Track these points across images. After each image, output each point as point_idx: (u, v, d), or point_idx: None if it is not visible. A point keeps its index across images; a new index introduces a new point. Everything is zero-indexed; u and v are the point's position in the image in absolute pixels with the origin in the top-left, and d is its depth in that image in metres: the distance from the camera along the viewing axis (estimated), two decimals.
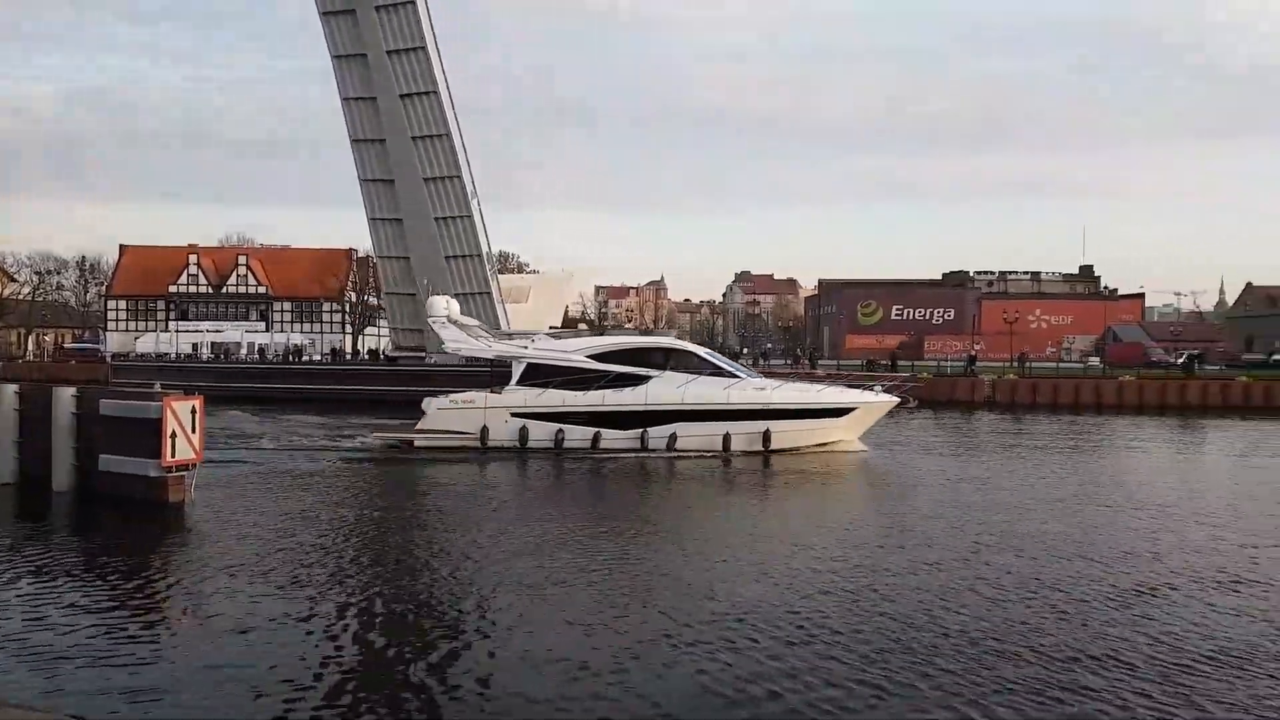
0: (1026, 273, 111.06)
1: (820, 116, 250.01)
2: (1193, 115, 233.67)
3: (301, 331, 76.27)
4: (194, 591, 11.59)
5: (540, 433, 26.50)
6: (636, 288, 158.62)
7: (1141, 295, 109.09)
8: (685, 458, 25.37)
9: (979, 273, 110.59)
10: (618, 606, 10.91)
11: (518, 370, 27.49)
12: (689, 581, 12.16)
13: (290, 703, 8.03)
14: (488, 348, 29.41)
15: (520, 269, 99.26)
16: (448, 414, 27.18)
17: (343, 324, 79.60)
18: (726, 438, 26.31)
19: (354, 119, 50.32)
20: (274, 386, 49.73)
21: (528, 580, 12.03)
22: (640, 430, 26.35)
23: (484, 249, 50.05)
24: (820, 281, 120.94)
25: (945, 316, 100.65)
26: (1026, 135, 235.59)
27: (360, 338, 78.24)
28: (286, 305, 79.62)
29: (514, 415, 26.77)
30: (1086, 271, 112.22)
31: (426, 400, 27.90)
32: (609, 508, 19.18)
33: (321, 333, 77.55)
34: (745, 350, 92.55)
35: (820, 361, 67.24)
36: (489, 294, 49.74)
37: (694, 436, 26.34)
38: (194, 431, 16.75)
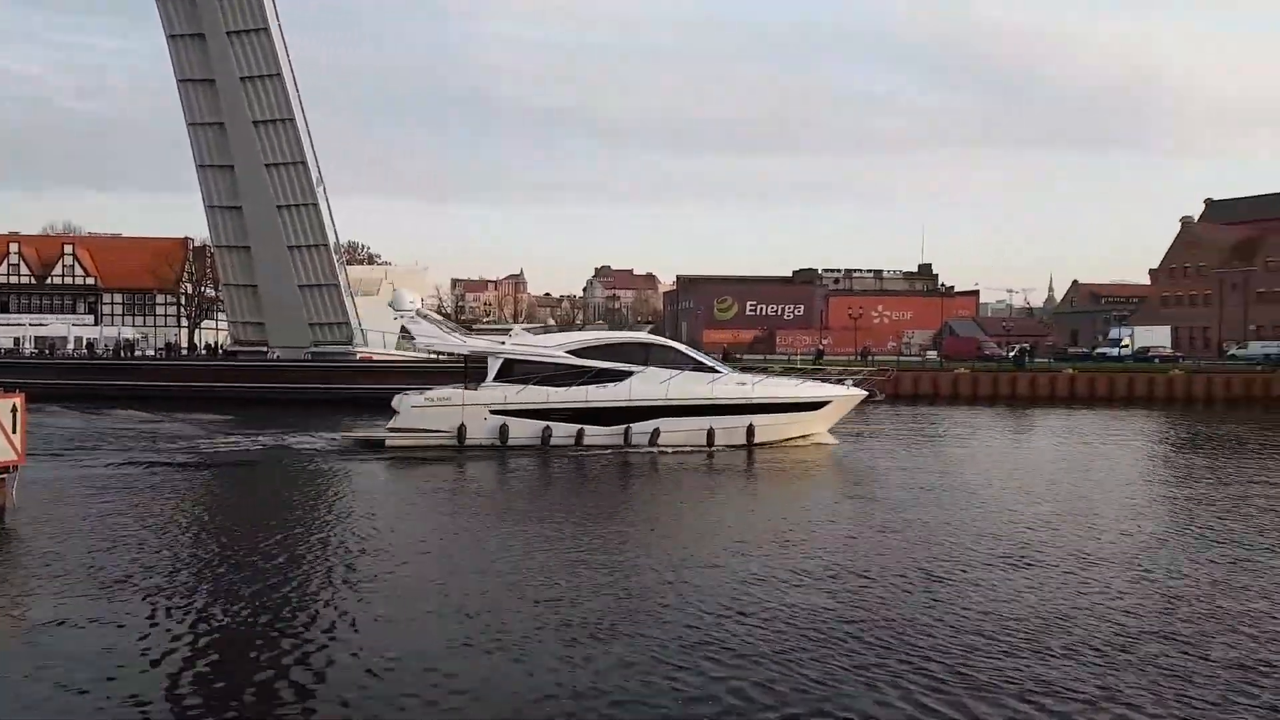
0: (870, 270, 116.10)
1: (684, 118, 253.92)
2: (1020, 125, 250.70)
3: (133, 325, 71.87)
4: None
5: (521, 430, 25.70)
6: (495, 281, 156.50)
7: (976, 292, 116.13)
8: (670, 453, 25.05)
9: (827, 270, 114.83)
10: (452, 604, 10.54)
11: (494, 367, 26.47)
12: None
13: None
14: (462, 343, 28.26)
15: (371, 260, 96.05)
16: (422, 412, 26.03)
17: (178, 317, 75.13)
18: (710, 433, 26.13)
19: (191, 101, 47.31)
20: (103, 383, 46.20)
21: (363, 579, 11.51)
22: (624, 427, 25.89)
23: (330, 239, 48.04)
24: (679, 277, 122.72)
25: (796, 312, 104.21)
26: (858, 140, 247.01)
27: (197, 331, 74.00)
28: (117, 297, 74.80)
29: (493, 413, 25.83)
30: (925, 270, 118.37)
31: (397, 398, 26.48)
32: (576, 503, 18.50)
33: (155, 326, 73.04)
34: None
35: None
36: (336, 286, 47.83)
37: (678, 432, 26.07)
38: (14, 431, 15.31)
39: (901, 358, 70.21)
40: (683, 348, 29.59)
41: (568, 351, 26.69)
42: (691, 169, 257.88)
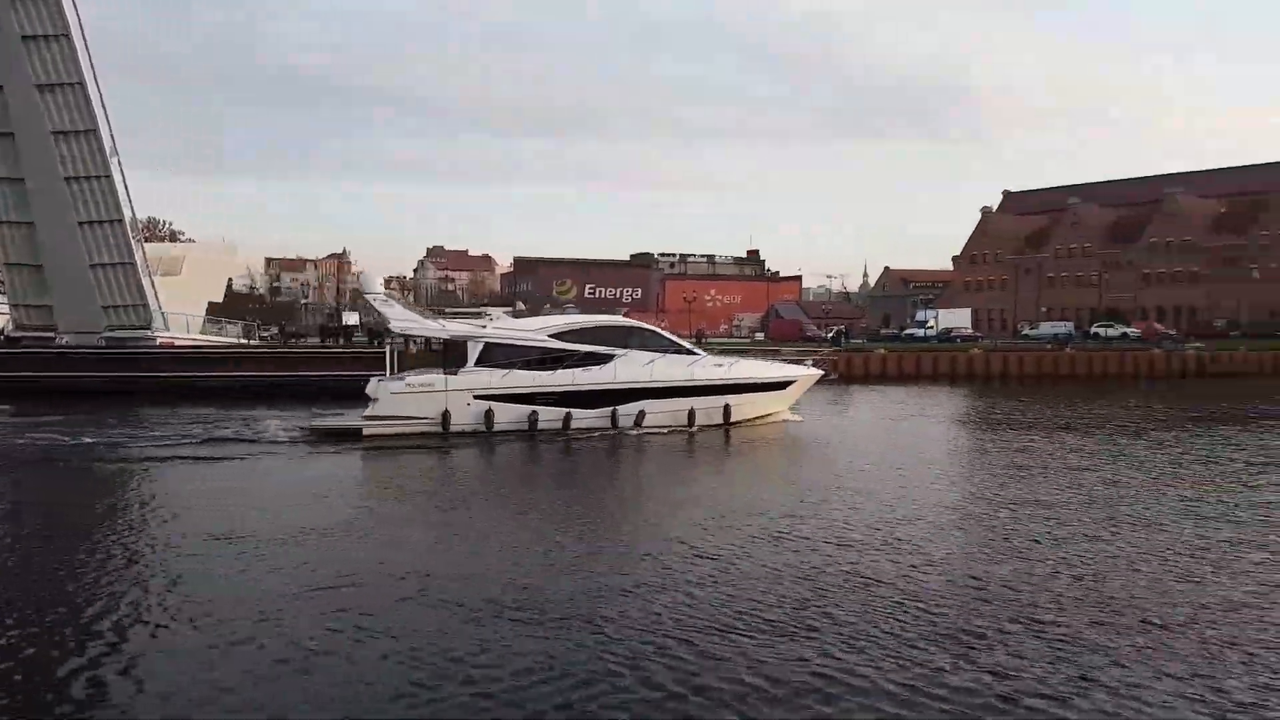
0: (704, 256, 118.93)
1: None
2: (837, 117, 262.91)
3: None
4: None
5: (506, 415, 25.36)
6: (315, 260, 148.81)
7: (799, 278, 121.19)
8: (657, 434, 25.45)
9: (662, 254, 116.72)
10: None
11: (474, 351, 25.80)
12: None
13: None
14: (442, 328, 27.05)
15: (173, 237, 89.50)
16: (404, 398, 25.05)
17: None
18: (691, 413, 26.72)
19: None
20: None
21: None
22: (610, 409, 26.08)
23: (126, 214, 44.24)
24: (516, 259, 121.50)
25: (633, 295, 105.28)
26: (670, 126, 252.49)
27: None
28: None
29: (477, 398, 25.32)
30: (753, 256, 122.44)
31: (373, 384, 25.45)
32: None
33: None
34: None
35: None
36: (132, 264, 44.06)
37: (662, 413, 26.53)
38: None
39: (732, 339, 72.30)
40: (660, 330, 30.22)
41: (550, 335, 26.66)
42: (523, 150, 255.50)
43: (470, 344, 26.09)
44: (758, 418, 28.10)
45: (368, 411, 25.24)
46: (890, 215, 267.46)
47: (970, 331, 78.15)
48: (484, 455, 22.91)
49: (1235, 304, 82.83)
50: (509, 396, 25.64)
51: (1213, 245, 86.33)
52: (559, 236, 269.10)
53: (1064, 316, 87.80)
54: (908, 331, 76.80)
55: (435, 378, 25.54)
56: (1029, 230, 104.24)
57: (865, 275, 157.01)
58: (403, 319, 27.12)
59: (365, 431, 24.78)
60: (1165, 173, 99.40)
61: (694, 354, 28.38)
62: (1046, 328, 77.43)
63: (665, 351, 27.51)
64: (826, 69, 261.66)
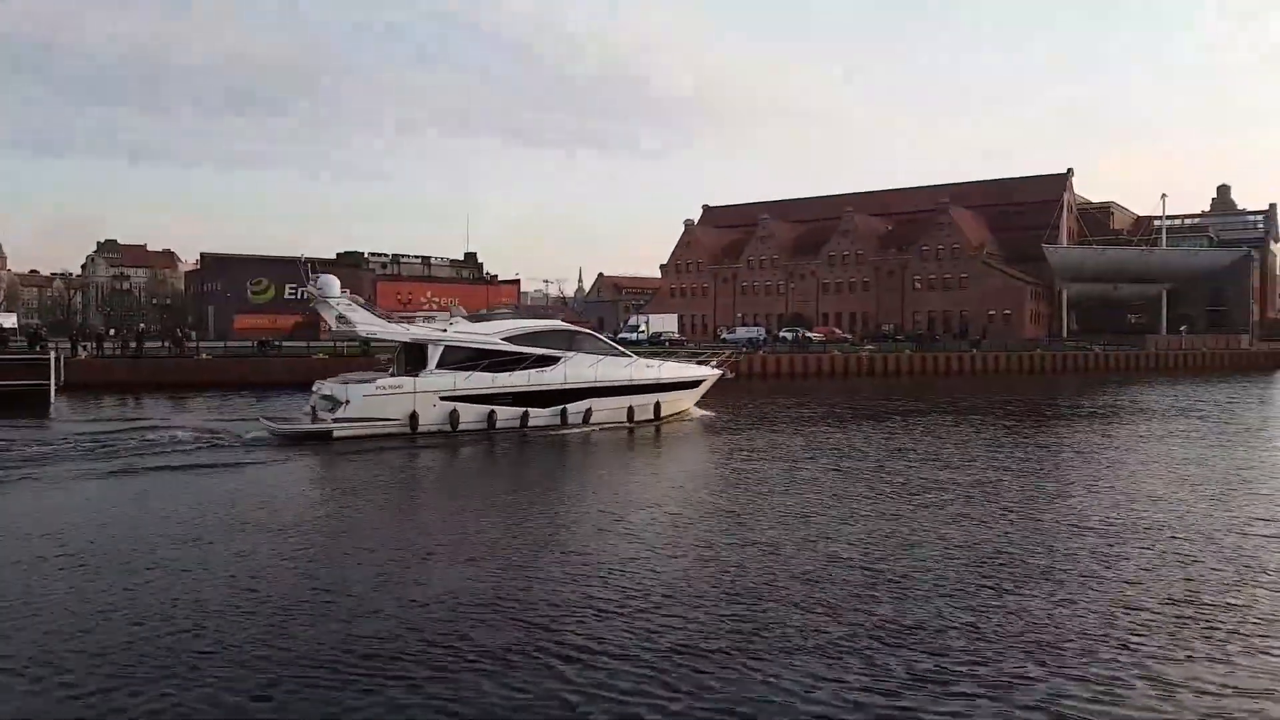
0: (418, 256, 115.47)
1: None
2: (555, 122, 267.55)
3: None
4: None
5: (468, 415, 26.67)
6: None
7: (518, 281, 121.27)
8: (601, 430, 27.98)
9: (373, 254, 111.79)
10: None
11: (434, 354, 26.85)
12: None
13: None
14: (405, 331, 27.98)
15: None
16: (374, 400, 25.71)
17: None
18: (630, 410, 29.56)
19: None
20: None
21: None
22: (560, 408, 28.10)
23: None
24: (203, 255, 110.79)
25: None
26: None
27: None
28: None
29: (443, 399, 26.43)
30: (471, 258, 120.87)
31: (342, 388, 25.89)
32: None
33: None
34: (113, 331, 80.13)
35: (204, 343, 61.11)
36: None
37: (605, 410, 29.03)
38: None
39: None
40: (598, 335, 33.15)
41: (503, 339, 27.98)
42: (214, 129, 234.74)
43: (431, 347, 27.03)
44: (677, 413, 31.44)
45: (339, 414, 25.46)
46: (604, 223, 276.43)
47: (677, 335, 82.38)
48: (455, 454, 23.99)
49: (898, 312, 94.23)
50: (471, 397, 26.93)
51: (881, 259, 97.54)
52: (255, 230, 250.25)
53: (756, 322, 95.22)
54: (621, 336, 79.35)
55: (405, 380, 26.50)
56: (726, 242, 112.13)
57: (580, 281, 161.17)
58: (367, 323, 27.53)
59: (336, 434, 25.04)
60: (843, 192, 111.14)
61: (628, 356, 31.08)
62: (742, 332, 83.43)
63: (604, 354, 29.92)
64: (543, 74, 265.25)
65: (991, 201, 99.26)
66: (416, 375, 26.68)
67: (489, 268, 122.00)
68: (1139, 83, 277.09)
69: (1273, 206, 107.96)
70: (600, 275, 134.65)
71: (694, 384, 32.49)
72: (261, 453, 22.78)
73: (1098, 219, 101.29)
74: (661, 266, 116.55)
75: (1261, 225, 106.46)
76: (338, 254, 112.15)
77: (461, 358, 27.04)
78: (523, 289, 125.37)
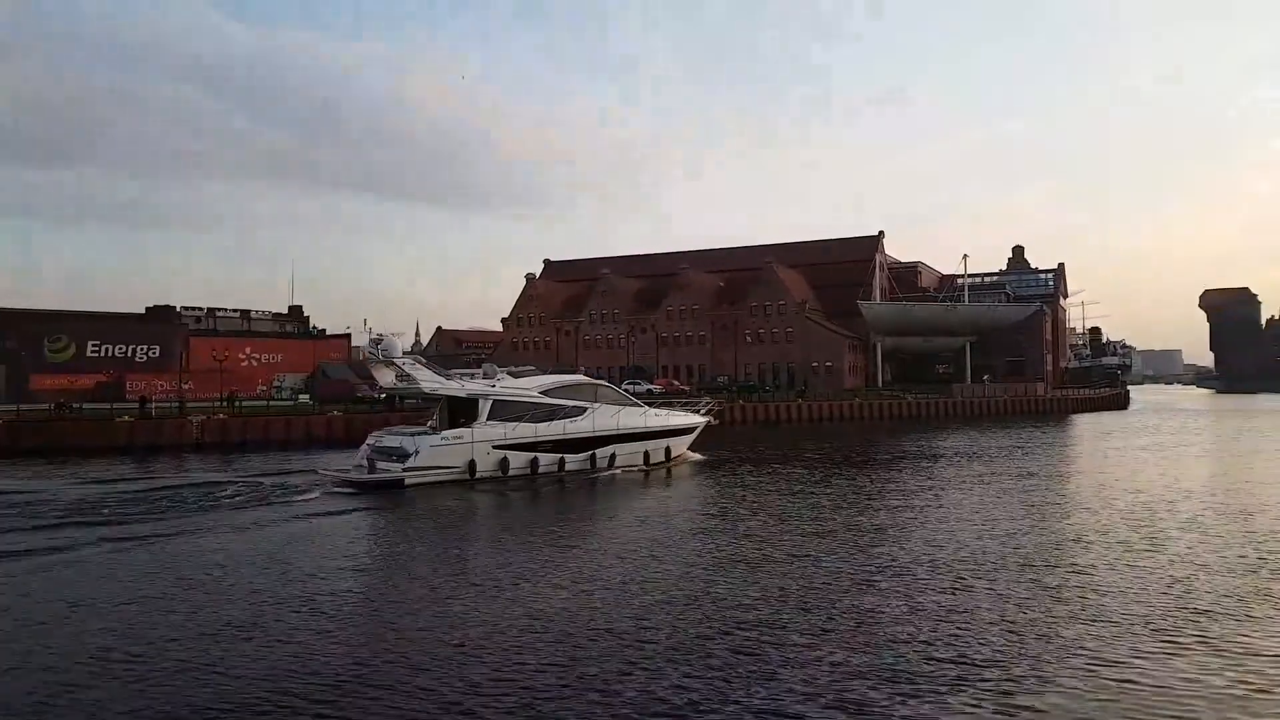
0: (237, 310, 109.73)
1: None
2: (387, 174, 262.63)
3: None
4: None
5: (516, 462, 30.09)
6: None
7: (349, 335, 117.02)
8: (624, 472, 32.11)
9: (186, 309, 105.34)
10: None
11: (485, 408, 30.15)
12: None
13: None
14: (460, 387, 30.85)
15: None
16: (440, 451, 28.88)
17: None
18: (647, 454, 33.80)
19: None
20: None
21: None
22: (590, 453, 32.06)
23: None
24: None
25: (150, 354, 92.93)
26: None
27: None
28: None
29: (495, 448, 29.75)
30: (296, 312, 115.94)
31: (415, 440, 29.02)
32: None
33: None
34: None
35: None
36: None
37: (626, 455, 33.19)
38: None
39: (272, 401, 67.21)
40: (616, 387, 37.32)
41: (541, 392, 31.75)
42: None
43: (482, 402, 30.38)
44: (678, 456, 35.48)
45: (408, 464, 28.30)
46: (443, 276, 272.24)
47: None
48: (512, 496, 27.46)
49: (732, 364, 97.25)
50: (518, 445, 30.36)
51: (715, 314, 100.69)
52: (71, 285, 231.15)
53: (599, 374, 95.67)
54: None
55: (465, 432, 29.59)
56: (568, 295, 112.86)
57: (418, 335, 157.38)
58: (430, 380, 30.61)
59: (407, 481, 27.96)
60: (680, 250, 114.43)
61: (640, 405, 35.13)
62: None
63: (622, 404, 34.05)
64: (380, 127, 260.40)
65: (812, 261, 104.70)
66: (471, 426, 29.88)
67: (318, 322, 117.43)
68: (942, 155, 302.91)
69: (1061, 266, 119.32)
70: (438, 329, 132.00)
71: (691, 430, 36.68)
72: (353, 500, 25.66)
73: (907, 277, 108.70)
74: (503, 320, 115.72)
75: (1051, 283, 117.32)
76: (147, 308, 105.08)
77: (507, 412, 30.61)
78: (355, 343, 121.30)
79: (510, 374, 33.52)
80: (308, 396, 70.49)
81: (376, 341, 30.97)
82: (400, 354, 30.85)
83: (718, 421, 41.89)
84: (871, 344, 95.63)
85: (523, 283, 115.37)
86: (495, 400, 30.55)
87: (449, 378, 31.49)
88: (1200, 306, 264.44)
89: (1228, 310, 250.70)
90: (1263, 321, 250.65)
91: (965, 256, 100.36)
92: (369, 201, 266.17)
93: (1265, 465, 36.20)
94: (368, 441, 29.98)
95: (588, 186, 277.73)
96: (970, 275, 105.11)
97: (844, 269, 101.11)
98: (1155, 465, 35.56)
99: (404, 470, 28.15)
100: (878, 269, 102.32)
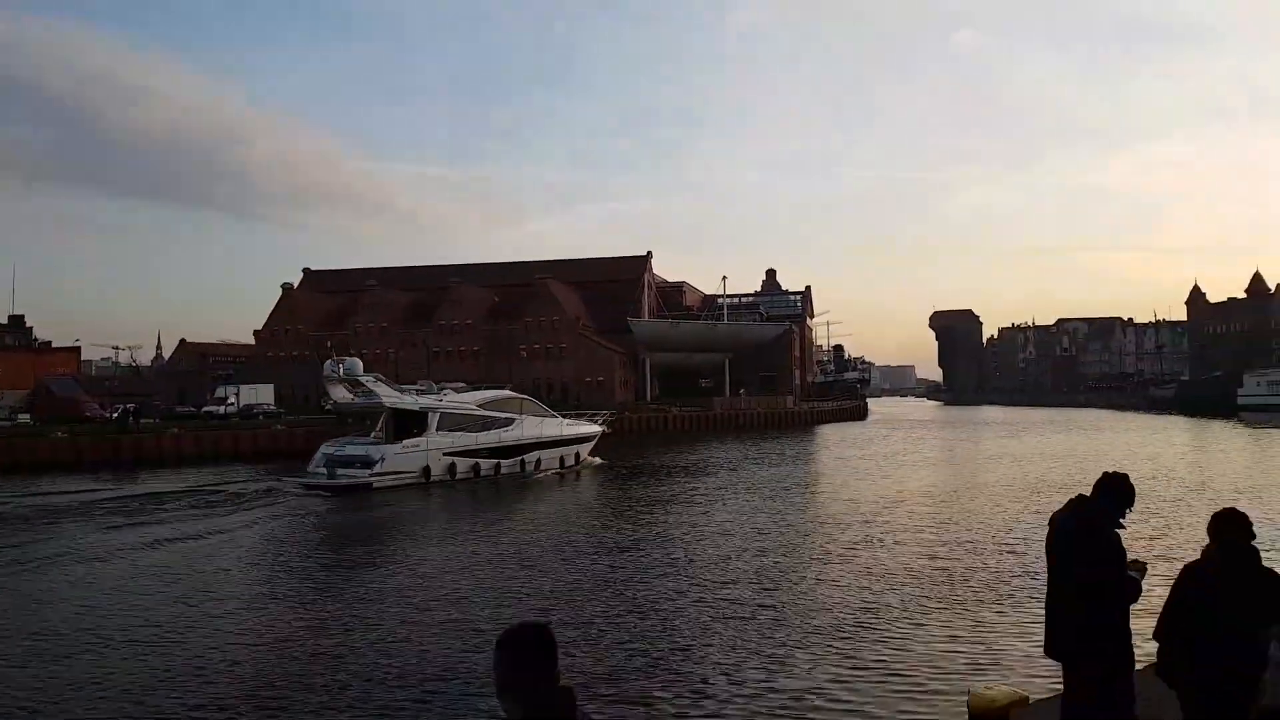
0: None
1: None
2: (121, 178, 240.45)
3: None
4: None
5: (462, 466, 34.88)
6: None
7: (77, 349, 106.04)
8: (548, 474, 37.47)
9: None
10: None
11: (434, 420, 34.61)
12: None
13: None
14: (415, 402, 35.30)
15: None
16: (401, 458, 33.24)
17: None
18: (562, 459, 38.74)
19: None
20: None
21: None
22: (520, 459, 36.78)
23: None
24: None
25: None
26: None
27: None
28: None
29: (444, 454, 34.41)
30: (17, 322, 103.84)
31: (380, 448, 33.10)
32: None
33: None
34: None
35: None
36: None
37: (550, 459, 38.22)
38: None
39: None
40: (537, 401, 41.69)
41: (478, 405, 36.55)
42: None
43: (431, 414, 34.57)
44: (586, 460, 41.00)
45: (375, 469, 32.08)
46: (187, 286, 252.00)
47: (272, 407, 77.26)
48: (462, 495, 32.50)
49: (508, 378, 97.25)
50: (463, 453, 34.92)
51: (490, 328, 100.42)
52: None
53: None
54: (206, 409, 72.45)
55: (421, 440, 33.85)
56: (331, 308, 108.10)
57: (159, 348, 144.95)
58: (390, 395, 34.93)
59: (375, 485, 31.49)
60: (451, 263, 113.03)
61: (556, 416, 40.54)
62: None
63: (544, 415, 39.39)
64: (98, 125, 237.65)
65: (584, 278, 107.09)
66: (424, 436, 34.02)
67: (44, 334, 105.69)
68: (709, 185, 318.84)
69: (808, 288, 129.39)
70: (182, 341, 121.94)
71: (593, 438, 42.23)
72: (334, 501, 29.62)
73: (673, 296, 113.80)
74: (256, 332, 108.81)
75: (800, 304, 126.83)
76: None
77: (451, 423, 35.06)
78: (85, 356, 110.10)
79: (452, 390, 38.64)
80: (29, 416, 63.25)
81: (339, 363, 35.09)
82: (362, 373, 35.43)
83: (610, 431, 47.52)
84: (640, 360, 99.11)
85: (279, 293, 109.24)
86: (442, 413, 35.04)
87: (404, 393, 36.14)
88: (930, 326, 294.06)
89: (953, 330, 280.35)
90: (984, 340, 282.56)
91: (725, 278, 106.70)
92: (106, 205, 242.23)
93: (963, 474, 41.32)
94: (322, 451, 33.42)
95: (347, 198, 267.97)
96: (729, 295, 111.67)
97: (615, 287, 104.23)
98: (878, 475, 39.36)
99: (370, 475, 32.01)
100: (646, 288, 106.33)
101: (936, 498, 29.41)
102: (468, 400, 37.24)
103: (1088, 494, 5.25)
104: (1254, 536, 4.61)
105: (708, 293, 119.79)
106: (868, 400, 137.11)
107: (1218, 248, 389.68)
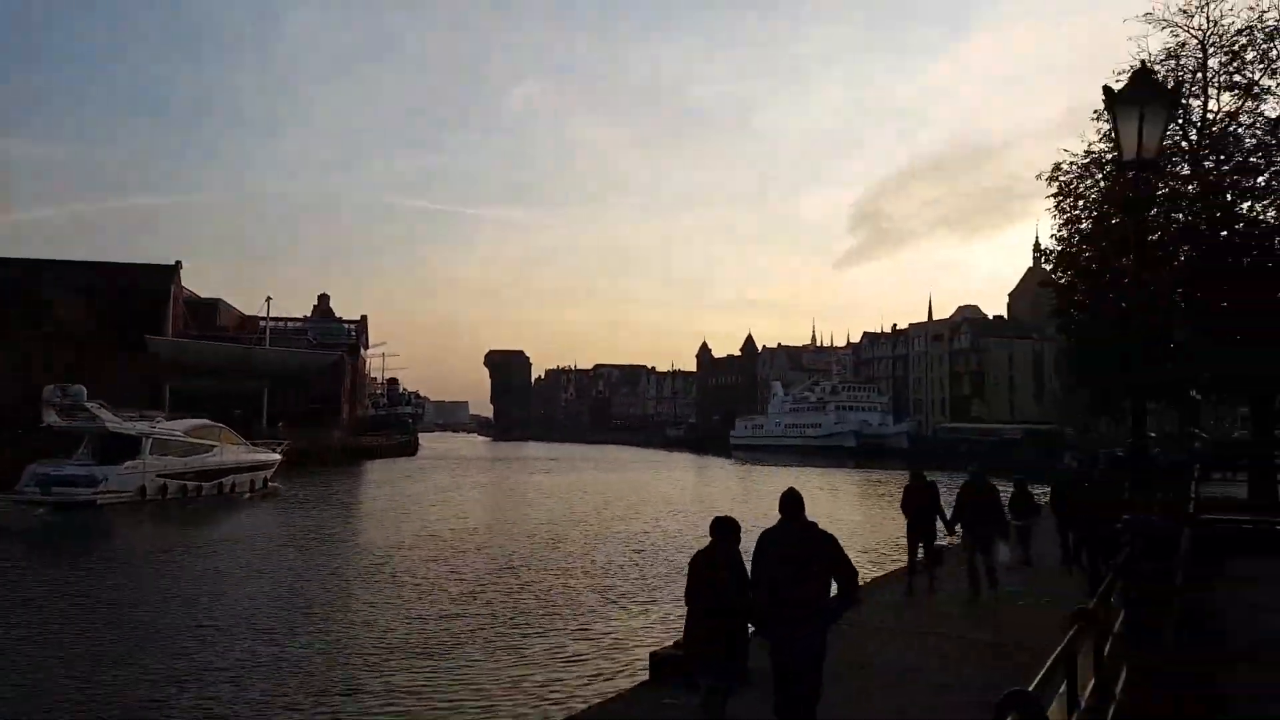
0: None
1: None
2: None
3: None
4: None
5: (172, 488, 38.74)
6: None
7: None
8: (241, 495, 42.64)
9: None
10: None
11: (147, 444, 38.03)
12: None
13: None
14: (133, 427, 38.31)
15: None
16: (124, 478, 36.46)
17: None
18: (252, 481, 44.61)
19: None
20: None
21: None
22: (219, 481, 41.88)
23: None
24: None
25: None
26: None
27: None
28: None
29: (158, 476, 38.27)
30: None
31: (104, 469, 36.04)
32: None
33: None
34: None
35: None
36: None
37: (243, 481, 43.87)
38: None
39: None
40: (231, 429, 46.50)
41: (184, 432, 41.07)
42: None
43: (144, 439, 38.19)
44: (270, 484, 46.14)
45: (100, 488, 35.22)
46: None
47: None
48: (178, 512, 36.71)
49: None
50: (173, 475, 39.21)
51: None
52: None
53: None
54: None
55: (139, 463, 37.40)
56: None
57: None
58: (113, 421, 38.03)
59: (99, 501, 34.77)
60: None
61: (246, 443, 46.33)
62: None
63: (238, 443, 45.27)
64: None
65: (97, 285, 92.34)
66: (141, 459, 37.43)
67: None
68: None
69: (364, 318, 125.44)
70: None
71: (275, 463, 47.69)
72: (60, 516, 32.45)
73: (207, 313, 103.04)
74: None
75: (354, 333, 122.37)
76: None
77: (161, 448, 38.71)
78: None
79: (162, 417, 42.12)
80: None
81: (64, 389, 37.56)
82: (87, 399, 37.67)
83: (283, 457, 50.75)
84: (162, 383, 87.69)
85: None
86: (154, 439, 38.41)
87: (123, 419, 38.51)
88: (485, 364, 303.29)
89: (506, 368, 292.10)
90: (533, 379, 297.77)
91: (269, 299, 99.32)
92: None
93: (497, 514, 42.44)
94: (33, 471, 34.83)
95: None
96: (274, 319, 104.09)
97: (137, 297, 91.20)
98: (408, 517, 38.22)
99: (94, 493, 34.75)
100: (173, 301, 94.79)
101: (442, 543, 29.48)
102: (175, 428, 41.08)
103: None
104: (740, 530, 7.07)
105: (249, 313, 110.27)
106: (419, 435, 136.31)
107: (726, 309, 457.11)
